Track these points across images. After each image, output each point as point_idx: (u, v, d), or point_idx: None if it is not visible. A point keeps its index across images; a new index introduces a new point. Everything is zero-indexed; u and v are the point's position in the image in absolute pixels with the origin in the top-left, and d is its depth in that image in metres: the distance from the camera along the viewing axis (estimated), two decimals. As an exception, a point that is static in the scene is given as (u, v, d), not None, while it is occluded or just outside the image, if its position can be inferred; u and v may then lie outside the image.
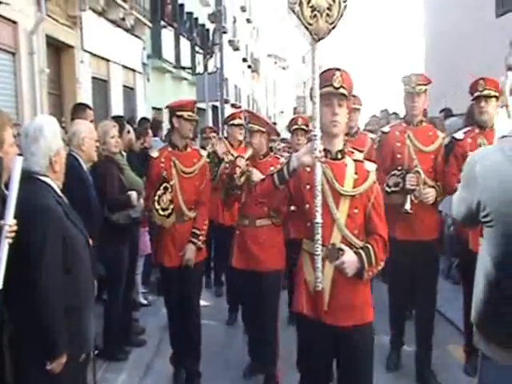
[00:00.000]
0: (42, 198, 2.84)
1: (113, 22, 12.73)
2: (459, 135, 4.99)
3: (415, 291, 5.03)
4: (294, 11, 3.02)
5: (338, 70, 3.18)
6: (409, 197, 4.68)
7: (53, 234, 2.77)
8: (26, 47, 8.65)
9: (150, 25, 15.16)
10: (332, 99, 3.13)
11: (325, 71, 3.16)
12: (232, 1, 31.67)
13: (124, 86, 14.02)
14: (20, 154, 2.83)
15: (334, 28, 3.04)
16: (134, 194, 5.13)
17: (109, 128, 5.15)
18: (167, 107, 5.04)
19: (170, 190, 4.66)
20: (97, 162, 4.74)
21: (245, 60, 38.53)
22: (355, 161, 3.28)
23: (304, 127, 6.02)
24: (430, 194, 4.68)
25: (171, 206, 4.67)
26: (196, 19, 22.23)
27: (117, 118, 6.35)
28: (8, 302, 2.68)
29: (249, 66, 40.42)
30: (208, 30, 24.06)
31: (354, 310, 3.19)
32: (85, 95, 10.99)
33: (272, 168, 4.48)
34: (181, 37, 19.06)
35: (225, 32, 25.68)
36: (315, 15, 3.02)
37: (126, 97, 14.10)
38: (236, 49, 33.53)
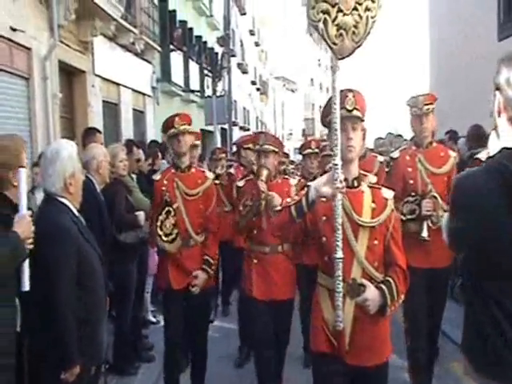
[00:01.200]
0: (59, 218, 3.04)
1: (123, 46, 13.00)
2: (482, 155, 4.61)
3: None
4: (317, 29, 2.73)
5: (351, 91, 3.01)
6: (425, 223, 4.51)
7: (69, 251, 2.96)
8: (39, 72, 8.87)
9: (160, 49, 15.43)
10: (345, 123, 2.94)
11: None
12: (240, 24, 32.12)
13: (134, 110, 14.25)
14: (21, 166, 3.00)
15: (359, 47, 2.78)
16: (141, 215, 5.32)
17: (118, 151, 5.36)
18: (162, 131, 4.90)
19: (172, 213, 4.52)
20: (106, 183, 4.93)
21: (253, 83, 38.92)
22: (371, 188, 3.11)
23: (317, 151, 5.96)
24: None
25: (175, 231, 4.53)
26: (205, 43, 22.58)
27: (127, 142, 6.56)
28: (25, 312, 2.84)
29: (257, 89, 40.81)
30: (217, 54, 24.39)
31: (376, 349, 3.05)
32: (96, 119, 11.22)
33: (286, 190, 4.58)
34: (190, 60, 19.35)
35: (233, 55, 26.05)
36: (341, 34, 2.74)
37: (135, 120, 14.34)
38: (244, 72, 33.92)
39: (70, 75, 10.70)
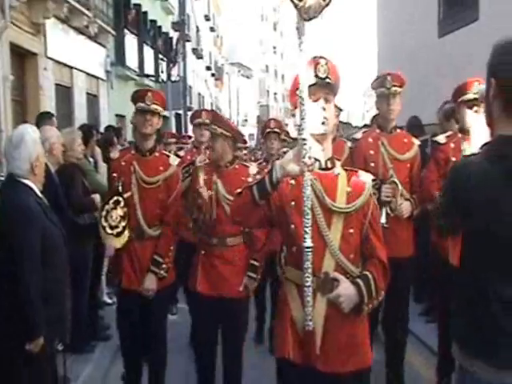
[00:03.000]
0: (23, 199, 3.17)
1: (76, 29, 12.83)
2: (441, 139, 4.59)
3: (386, 313, 4.61)
4: None
5: (323, 57, 2.67)
6: (384, 209, 4.25)
7: (34, 229, 3.10)
8: (-10, 54, 8.74)
9: (114, 33, 15.30)
10: (317, 92, 2.61)
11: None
12: (196, 9, 31.94)
13: (87, 94, 14.10)
14: None
15: (327, 5, 2.46)
16: (97, 198, 5.37)
17: (76, 136, 5.41)
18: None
19: (121, 204, 4.06)
20: (61, 167, 4.96)
21: (208, 68, 38.82)
22: (347, 170, 2.78)
23: (277, 130, 5.72)
24: (406, 207, 4.30)
25: (122, 224, 4.06)
26: (160, 27, 22.40)
27: (84, 127, 6.59)
28: None
29: (212, 75, 40.72)
30: (172, 39, 24.27)
31: (352, 353, 2.64)
32: (48, 102, 11.07)
33: (243, 178, 4.14)
34: (144, 45, 19.22)
35: (188, 40, 25.94)
36: None
37: (89, 104, 14.19)
38: (199, 57, 33.79)
39: (21, 57, 10.52)
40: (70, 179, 5.13)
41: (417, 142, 4.63)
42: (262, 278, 5.07)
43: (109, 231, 4.05)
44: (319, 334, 2.59)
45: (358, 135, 4.75)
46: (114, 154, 4.44)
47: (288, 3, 2.44)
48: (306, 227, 2.49)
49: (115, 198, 4.04)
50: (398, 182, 4.28)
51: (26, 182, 3.26)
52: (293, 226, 2.62)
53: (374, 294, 2.62)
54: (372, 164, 4.41)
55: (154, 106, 4.15)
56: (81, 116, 13.15)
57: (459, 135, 4.46)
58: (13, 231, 3.05)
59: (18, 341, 3.08)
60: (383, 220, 4.23)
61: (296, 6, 2.41)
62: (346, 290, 2.54)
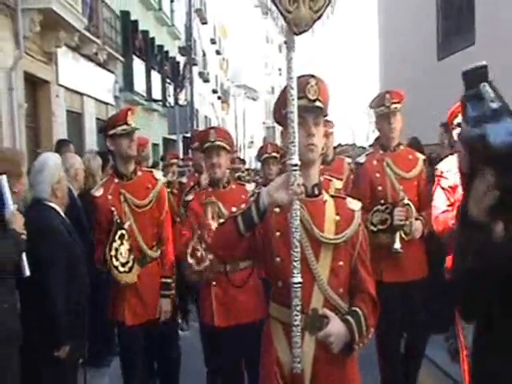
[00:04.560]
0: (49, 219, 3.51)
1: (86, 56, 13.22)
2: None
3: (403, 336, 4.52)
4: None
5: (313, 76, 2.47)
6: (398, 234, 4.11)
7: (58, 248, 3.42)
8: (5, 83, 9.08)
9: (122, 59, 15.69)
10: (306, 116, 2.40)
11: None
12: (202, 33, 32.48)
13: (97, 119, 14.45)
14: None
15: (319, 18, 2.30)
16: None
17: (99, 163, 5.75)
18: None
19: (126, 237, 3.83)
20: (83, 191, 5.25)
21: (215, 91, 39.32)
22: (334, 197, 2.59)
23: (275, 155, 5.49)
24: (418, 227, 4.15)
25: (131, 257, 3.86)
26: (167, 52, 22.85)
27: (101, 153, 6.89)
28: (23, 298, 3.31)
29: (219, 97, 41.22)
30: (178, 63, 24.73)
31: None
32: (60, 128, 11.44)
33: (243, 197, 3.94)
34: (152, 70, 19.62)
35: (195, 64, 26.41)
36: (296, 0, 2.26)
37: (99, 129, 14.49)
38: (206, 80, 34.28)
39: (34, 85, 10.89)
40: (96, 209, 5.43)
41: (422, 156, 4.49)
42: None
43: (122, 269, 3.80)
44: (308, 376, 2.40)
45: (362, 159, 4.57)
46: (96, 191, 4.07)
47: (277, 17, 2.28)
48: (295, 261, 2.28)
49: (119, 232, 3.79)
50: (410, 203, 4.12)
51: (50, 204, 3.58)
52: (278, 259, 2.41)
53: (364, 331, 2.43)
54: (380, 188, 4.25)
55: (134, 124, 4.01)
56: (91, 141, 13.48)
57: None
58: (40, 247, 3.33)
59: (46, 349, 3.38)
60: (398, 245, 4.09)
61: (285, 18, 2.26)
62: (336, 328, 2.35)
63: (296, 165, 2.27)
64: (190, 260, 3.78)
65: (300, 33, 2.30)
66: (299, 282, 2.29)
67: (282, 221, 2.40)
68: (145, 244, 3.99)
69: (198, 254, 3.79)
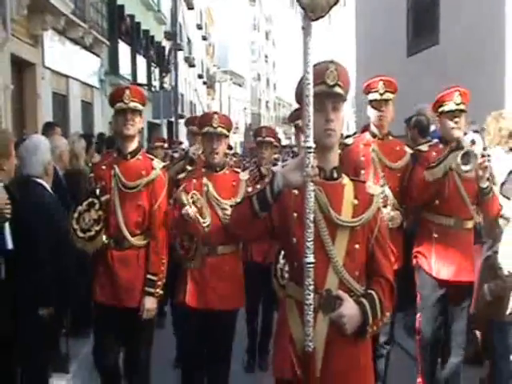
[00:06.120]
0: (40, 196, 3.89)
1: (72, 40, 13.41)
2: (424, 147, 4.48)
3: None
4: None
5: (333, 62, 2.48)
6: None
7: (48, 220, 3.80)
8: (-8, 65, 9.32)
9: (108, 43, 15.89)
10: (325, 101, 2.42)
11: (315, 65, 2.38)
12: (188, 19, 32.58)
13: (82, 101, 14.67)
14: None
15: (335, 4, 2.32)
16: None
17: (83, 145, 6.10)
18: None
19: (96, 206, 3.77)
20: (68, 172, 5.58)
21: (200, 76, 39.44)
22: (353, 181, 2.61)
23: (268, 139, 5.43)
24: (396, 217, 4.21)
25: (95, 228, 3.75)
26: (152, 37, 23.01)
27: (86, 136, 7.23)
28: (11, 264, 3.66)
29: (204, 83, 41.34)
30: (164, 48, 24.90)
31: (354, 376, 2.50)
32: (45, 110, 11.67)
33: (233, 183, 4.06)
34: (137, 54, 19.81)
35: (180, 49, 26.56)
36: None
37: (84, 112, 14.75)
38: (191, 65, 34.40)
39: (20, 67, 11.08)
40: (76, 183, 5.73)
41: (409, 150, 4.46)
42: (257, 295, 5.19)
43: (80, 234, 3.76)
44: (320, 355, 2.43)
45: (349, 141, 4.55)
46: (96, 158, 4.50)
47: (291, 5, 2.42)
48: (308, 241, 2.34)
49: (90, 199, 3.79)
50: (389, 191, 4.17)
51: (41, 181, 3.95)
52: (294, 240, 2.47)
53: (378, 314, 2.46)
54: (362, 171, 4.24)
55: (133, 104, 3.86)
56: (76, 123, 13.72)
57: (440, 145, 4.30)
58: (32, 221, 3.72)
59: (33, 307, 3.74)
60: None
61: (301, 4, 2.27)
62: (349, 309, 2.38)
63: (310, 147, 2.31)
64: (180, 251, 3.92)
65: (316, 18, 2.32)
66: (312, 262, 2.34)
67: (300, 202, 2.41)
68: (124, 226, 3.85)
69: (185, 245, 3.89)
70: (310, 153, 2.30)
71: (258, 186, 2.55)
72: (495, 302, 4.30)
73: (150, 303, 3.87)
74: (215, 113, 4.18)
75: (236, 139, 41.12)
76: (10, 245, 3.55)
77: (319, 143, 2.39)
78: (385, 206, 4.07)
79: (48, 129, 6.87)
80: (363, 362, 2.54)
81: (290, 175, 2.34)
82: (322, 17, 2.31)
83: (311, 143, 2.32)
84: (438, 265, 4.24)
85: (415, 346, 4.72)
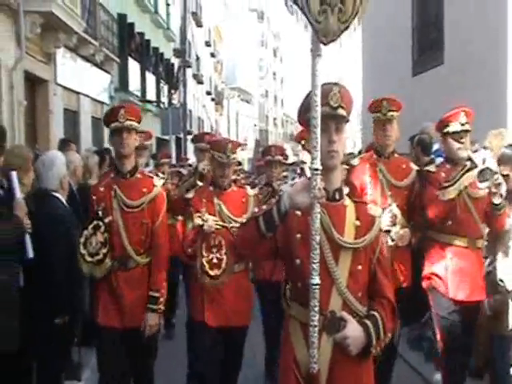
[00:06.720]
0: (56, 208, 4.09)
1: (84, 57, 13.67)
2: (432, 168, 4.49)
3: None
4: (296, 3, 2.30)
5: (336, 84, 2.54)
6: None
7: (63, 232, 3.99)
8: (7, 82, 9.56)
9: (118, 60, 16.17)
10: (328, 123, 2.45)
11: None
12: (197, 36, 32.95)
13: (92, 118, 14.91)
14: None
15: (346, 29, 2.35)
16: None
17: (96, 161, 6.27)
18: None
19: (102, 229, 3.76)
20: (81, 186, 5.73)
21: (209, 93, 39.76)
22: (355, 202, 2.63)
23: (279, 158, 5.52)
24: (405, 234, 4.26)
25: (103, 251, 3.74)
26: (162, 54, 23.30)
27: (99, 151, 7.40)
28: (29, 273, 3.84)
29: (212, 99, 41.66)
30: (173, 65, 25.21)
31: None
32: (57, 126, 11.91)
33: (243, 199, 4.22)
34: (147, 71, 20.07)
35: (189, 66, 26.88)
36: (324, 10, 2.30)
37: (94, 127, 14.98)
38: (200, 82, 34.72)
39: (33, 84, 11.33)
40: (89, 198, 5.90)
41: (415, 167, 4.52)
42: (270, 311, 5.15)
43: (88, 259, 3.74)
44: (324, 377, 2.45)
45: (355, 161, 4.60)
46: (93, 180, 4.48)
47: (300, 27, 2.35)
48: (314, 263, 2.36)
49: (94, 222, 3.77)
50: (397, 209, 4.21)
51: (57, 195, 4.15)
52: (298, 261, 2.49)
53: (381, 335, 2.50)
54: (369, 191, 4.29)
55: (128, 123, 3.83)
56: (86, 139, 13.95)
57: (448, 165, 4.30)
58: (49, 233, 3.89)
59: (49, 316, 3.92)
60: None
61: (314, 28, 2.32)
62: (353, 331, 2.42)
63: (317, 169, 2.35)
64: (205, 269, 4.02)
65: (328, 43, 2.36)
66: (317, 284, 2.37)
67: (303, 223, 2.45)
68: (130, 245, 3.84)
69: (214, 260, 4.00)
70: (318, 174, 2.34)
71: (264, 207, 2.61)
72: (495, 317, 4.44)
73: (153, 319, 3.88)
74: (229, 142, 4.26)
75: (244, 156, 41.28)
76: (30, 253, 3.72)
77: (323, 164, 2.41)
78: (394, 225, 4.15)
79: (63, 145, 7.13)
80: (366, 381, 2.58)
81: (297, 196, 2.37)
82: (334, 41, 2.36)
83: (318, 165, 2.35)
84: (454, 286, 4.22)
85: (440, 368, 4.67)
